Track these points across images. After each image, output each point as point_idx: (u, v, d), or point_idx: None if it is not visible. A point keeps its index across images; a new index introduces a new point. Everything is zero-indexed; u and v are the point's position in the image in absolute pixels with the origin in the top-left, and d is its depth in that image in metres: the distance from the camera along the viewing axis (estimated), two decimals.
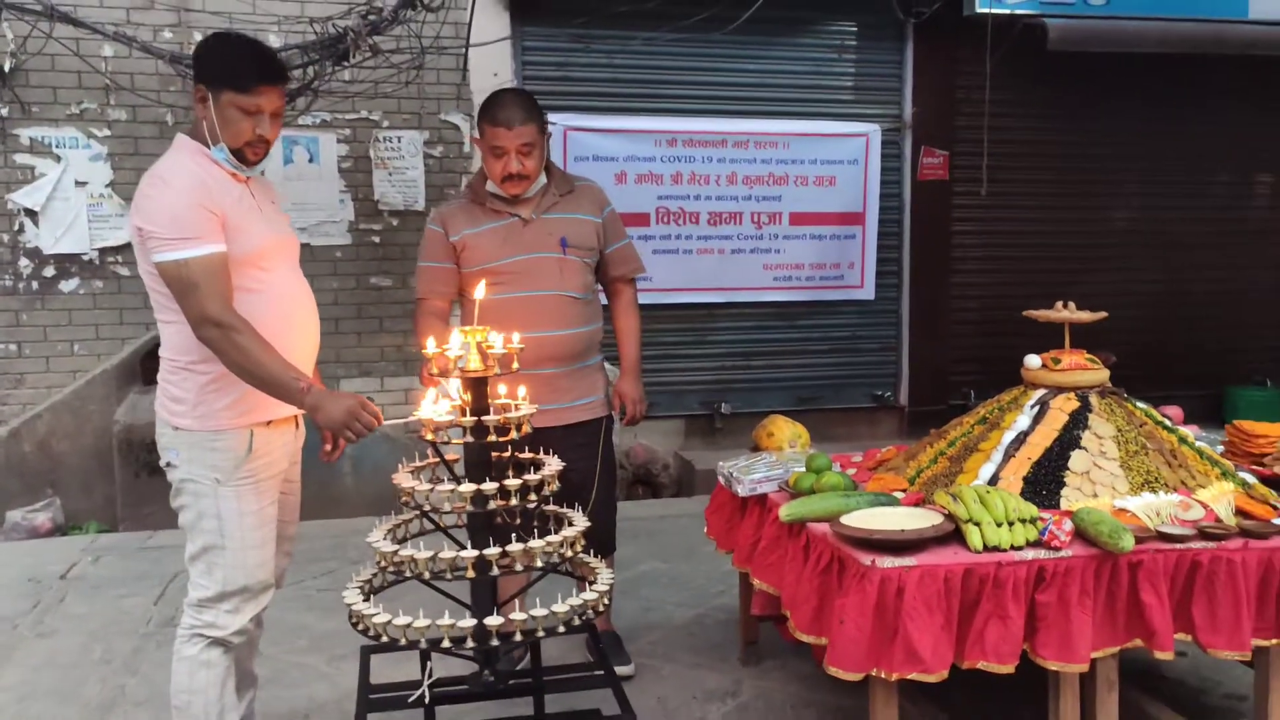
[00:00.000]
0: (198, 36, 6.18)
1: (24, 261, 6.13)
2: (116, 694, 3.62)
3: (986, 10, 6.60)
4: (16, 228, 6.10)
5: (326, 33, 5.95)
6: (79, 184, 6.15)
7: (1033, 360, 3.25)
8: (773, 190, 7.03)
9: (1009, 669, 2.59)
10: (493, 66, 6.55)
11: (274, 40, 6.19)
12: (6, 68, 5.96)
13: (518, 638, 2.64)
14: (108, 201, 6.22)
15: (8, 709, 3.53)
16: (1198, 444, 3.20)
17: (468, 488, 2.65)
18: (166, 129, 6.23)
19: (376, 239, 6.59)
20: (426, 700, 2.85)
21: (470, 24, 6.31)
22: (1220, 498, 2.86)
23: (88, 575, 4.90)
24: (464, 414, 2.71)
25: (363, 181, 6.55)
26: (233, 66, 2.71)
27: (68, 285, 6.21)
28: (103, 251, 6.23)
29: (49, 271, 6.16)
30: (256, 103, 2.68)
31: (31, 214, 6.10)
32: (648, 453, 6.86)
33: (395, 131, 6.55)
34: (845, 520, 2.74)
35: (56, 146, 6.11)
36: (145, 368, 6.16)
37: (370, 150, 6.52)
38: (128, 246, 6.23)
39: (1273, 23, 7.05)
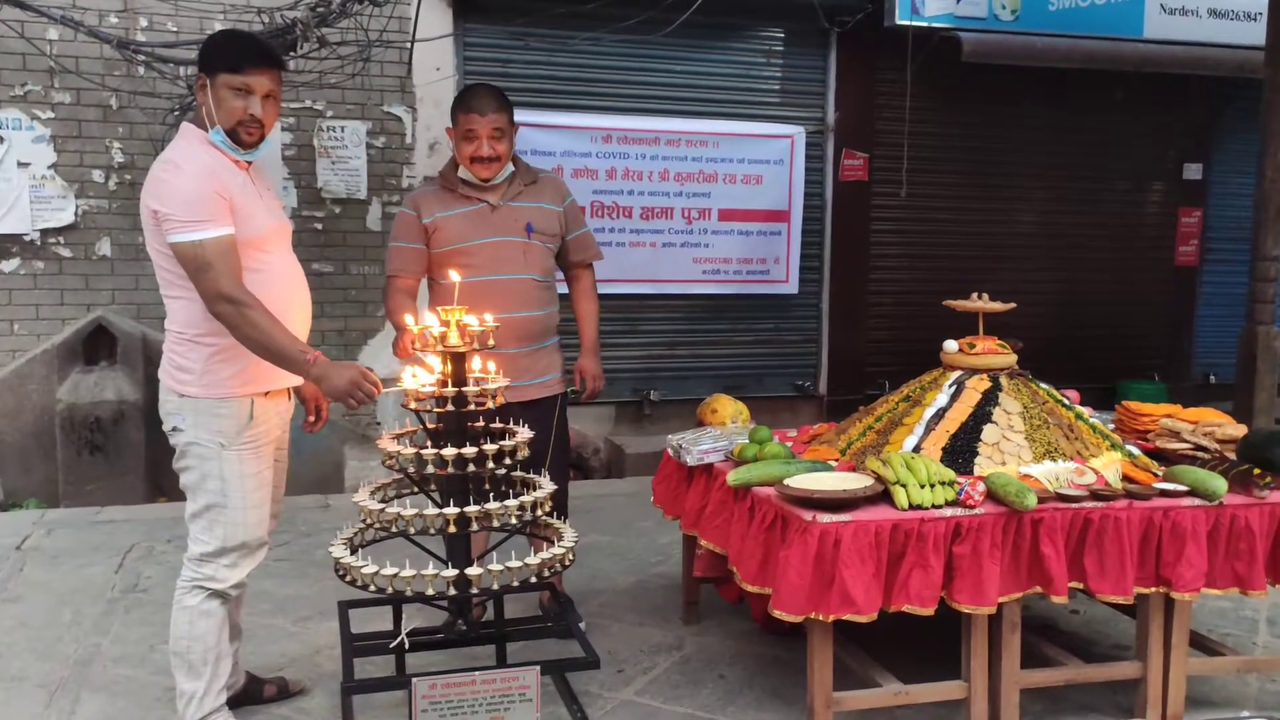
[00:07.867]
0: (144, 22, 6.28)
1: None
2: (93, 651, 3.77)
3: (906, 23, 7.01)
4: None
5: (274, 23, 6.09)
6: (21, 165, 6.17)
7: (950, 345, 3.63)
8: (703, 187, 7.32)
9: (929, 612, 2.95)
10: (436, 61, 6.74)
11: (219, 27, 6.30)
12: None
13: (495, 587, 2.92)
14: (50, 183, 6.25)
15: None
16: (1091, 420, 3.60)
17: (450, 451, 2.92)
18: (110, 112, 6.31)
19: (319, 225, 6.71)
20: (406, 646, 3.10)
21: (415, 20, 6.47)
22: (1109, 466, 3.26)
23: (43, 547, 4.98)
24: (445, 385, 2.98)
25: (306, 170, 6.66)
26: (226, 51, 2.92)
27: (8, 265, 6.22)
28: (44, 232, 6.25)
29: None
30: (246, 82, 2.88)
31: None
32: (579, 437, 7.06)
33: (339, 121, 6.68)
34: (789, 482, 3.07)
35: (0, 128, 6.15)
36: (88, 348, 6.23)
37: (314, 139, 6.63)
38: (70, 228, 6.30)
39: (1165, 42, 7.58)
